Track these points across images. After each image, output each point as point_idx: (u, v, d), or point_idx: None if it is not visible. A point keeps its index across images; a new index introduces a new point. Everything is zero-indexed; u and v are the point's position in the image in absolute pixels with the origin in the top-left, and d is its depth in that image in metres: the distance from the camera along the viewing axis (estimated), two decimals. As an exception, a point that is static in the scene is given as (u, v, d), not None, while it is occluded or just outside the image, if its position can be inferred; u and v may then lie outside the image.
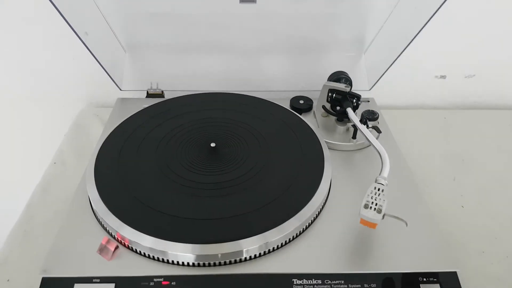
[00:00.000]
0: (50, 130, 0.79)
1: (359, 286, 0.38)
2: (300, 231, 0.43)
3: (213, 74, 0.70)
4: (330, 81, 0.60)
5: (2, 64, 0.73)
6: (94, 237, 0.42)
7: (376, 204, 0.39)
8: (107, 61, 0.61)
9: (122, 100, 0.67)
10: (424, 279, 0.38)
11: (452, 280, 0.39)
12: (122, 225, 0.41)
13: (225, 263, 0.40)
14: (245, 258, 0.40)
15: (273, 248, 0.41)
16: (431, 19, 0.52)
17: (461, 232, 0.51)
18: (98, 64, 0.59)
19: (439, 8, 0.49)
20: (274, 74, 0.71)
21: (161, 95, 0.68)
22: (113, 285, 0.38)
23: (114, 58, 0.66)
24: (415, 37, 0.56)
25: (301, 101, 0.64)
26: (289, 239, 0.42)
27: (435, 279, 0.38)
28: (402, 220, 0.39)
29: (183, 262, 0.40)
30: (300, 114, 0.61)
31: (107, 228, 0.43)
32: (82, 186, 0.48)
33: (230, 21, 0.64)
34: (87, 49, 0.55)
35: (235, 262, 0.40)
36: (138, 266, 0.40)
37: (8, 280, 0.46)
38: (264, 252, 0.41)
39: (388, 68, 0.62)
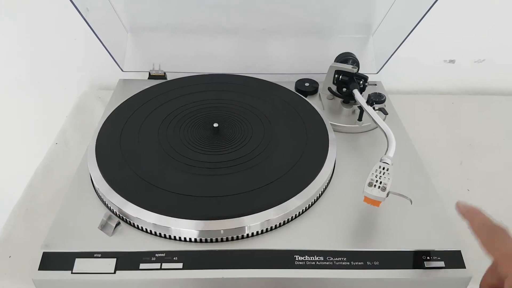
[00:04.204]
0: (52, 112, 0.79)
1: (362, 263, 0.38)
2: (302, 210, 0.43)
3: (217, 56, 0.69)
4: (336, 62, 0.59)
5: (4, 46, 0.72)
6: (96, 214, 0.41)
7: (380, 183, 0.38)
8: (109, 40, 0.60)
9: (124, 81, 0.67)
10: (428, 258, 0.38)
11: (456, 259, 0.38)
12: (125, 202, 0.41)
13: (227, 239, 0.40)
14: (247, 234, 0.40)
15: (275, 225, 0.41)
16: (442, 1, 0.50)
17: (466, 215, 0.50)
18: (99, 46, 0.58)
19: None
20: (279, 57, 0.70)
21: (163, 76, 0.68)
22: (114, 260, 0.38)
23: (116, 38, 0.65)
24: (422, 18, 0.54)
25: (307, 84, 0.63)
26: (291, 217, 0.42)
27: (439, 258, 0.38)
28: (406, 197, 0.38)
29: (185, 238, 0.39)
30: (306, 96, 0.60)
31: (109, 205, 0.43)
32: (84, 164, 0.48)
33: (234, 2, 0.63)
34: (88, 27, 0.54)
35: (237, 238, 0.40)
36: (140, 241, 0.39)
37: (10, 257, 0.46)
38: (267, 229, 0.40)
39: (396, 50, 0.61)
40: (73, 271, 0.37)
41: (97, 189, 0.44)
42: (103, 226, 0.40)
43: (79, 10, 0.51)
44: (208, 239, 0.39)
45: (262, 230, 0.40)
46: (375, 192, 0.37)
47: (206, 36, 0.67)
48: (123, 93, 0.62)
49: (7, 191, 0.64)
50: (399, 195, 0.39)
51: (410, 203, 0.38)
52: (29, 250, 0.45)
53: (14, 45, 0.72)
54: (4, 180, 0.82)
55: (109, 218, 0.41)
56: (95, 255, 0.38)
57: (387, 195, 0.38)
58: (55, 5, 0.67)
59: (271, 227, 0.41)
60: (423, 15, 0.54)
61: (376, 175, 0.39)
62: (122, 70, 0.67)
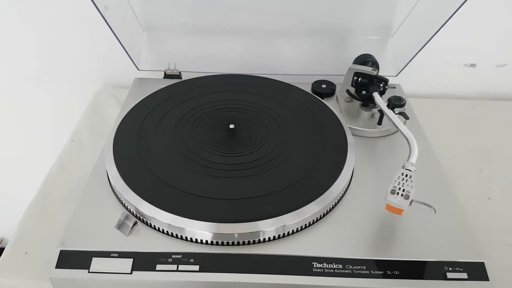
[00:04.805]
0: (67, 110, 0.79)
1: (382, 272, 0.37)
2: (320, 216, 0.42)
3: (232, 57, 0.69)
4: (355, 64, 0.58)
5: (20, 43, 0.73)
6: (112, 213, 0.41)
7: (403, 190, 0.37)
8: (126, 39, 0.60)
9: (140, 80, 0.67)
10: (450, 269, 0.37)
11: (480, 271, 0.37)
12: (141, 201, 0.41)
13: (243, 243, 0.39)
14: (263, 239, 0.39)
15: (292, 231, 0.40)
16: (464, 4, 0.49)
17: (487, 224, 0.49)
18: (115, 44, 0.58)
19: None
20: (294, 57, 0.69)
21: (178, 76, 0.68)
22: (131, 260, 0.38)
23: (132, 37, 0.65)
24: (446, 22, 0.53)
25: (323, 86, 0.62)
26: (309, 223, 0.41)
27: (462, 269, 0.37)
28: (430, 206, 0.37)
29: (201, 240, 0.39)
30: (322, 98, 0.59)
31: (126, 204, 0.42)
32: (100, 163, 0.48)
33: (250, 2, 0.62)
34: (106, 24, 0.54)
35: (253, 242, 0.39)
36: (156, 242, 0.39)
37: (26, 253, 0.46)
38: (283, 234, 0.40)
39: (417, 53, 0.59)
40: (90, 270, 0.37)
41: (113, 187, 0.44)
42: (120, 226, 0.40)
43: (98, 7, 0.51)
44: (225, 242, 0.39)
45: (279, 235, 0.40)
46: (397, 200, 0.36)
47: (222, 36, 0.67)
48: (139, 91, 0.62)
49: (23, 188, 0.64)
50: (423, 203, 0.38)
51: (434, 212, 0.37)
52: (44, 247, 0.46)
53: (30, 42, 0.72)
54: (20, 177, 0.83)
55: (126, 217, 0.41)
56: (112, 255, 0.38)
57: (410, 203, 0.37)
58: (70, 2, 0.68)
59: (288, 233, 0.40)
60: (447, 19, 0.52)
61: (399, 182, 0.38)
62: (138, 69, 0.67)
